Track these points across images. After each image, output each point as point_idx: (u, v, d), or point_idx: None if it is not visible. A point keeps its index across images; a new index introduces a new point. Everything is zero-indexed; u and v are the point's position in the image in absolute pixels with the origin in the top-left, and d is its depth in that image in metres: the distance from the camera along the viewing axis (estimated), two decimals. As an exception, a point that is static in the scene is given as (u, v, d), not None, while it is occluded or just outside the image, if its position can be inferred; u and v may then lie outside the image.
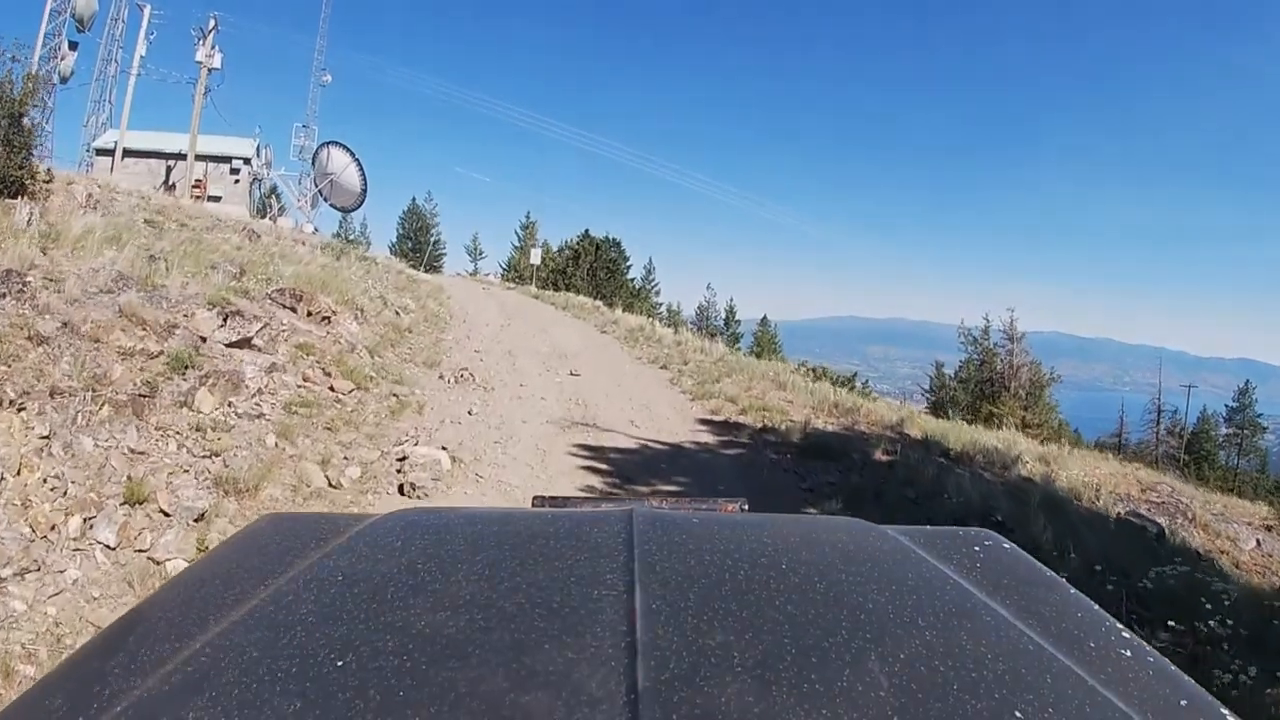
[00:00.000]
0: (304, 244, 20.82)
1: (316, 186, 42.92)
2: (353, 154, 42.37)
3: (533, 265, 34.37)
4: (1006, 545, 1.07)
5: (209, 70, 37.26)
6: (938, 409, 39.24)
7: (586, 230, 32.36)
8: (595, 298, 28.86)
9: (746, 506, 1.42)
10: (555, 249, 41.86)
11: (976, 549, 1.03)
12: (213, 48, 37.78)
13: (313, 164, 43.31)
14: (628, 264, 32.68)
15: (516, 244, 58.22)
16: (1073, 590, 0.96)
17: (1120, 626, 0.86)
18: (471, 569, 0.82)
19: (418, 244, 60.96)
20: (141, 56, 40.32)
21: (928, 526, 1.14)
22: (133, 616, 0.85)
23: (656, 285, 54.35)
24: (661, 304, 59.76)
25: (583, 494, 3.02)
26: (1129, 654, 0.78)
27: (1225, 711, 0.71)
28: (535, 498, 1.51)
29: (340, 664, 0.65)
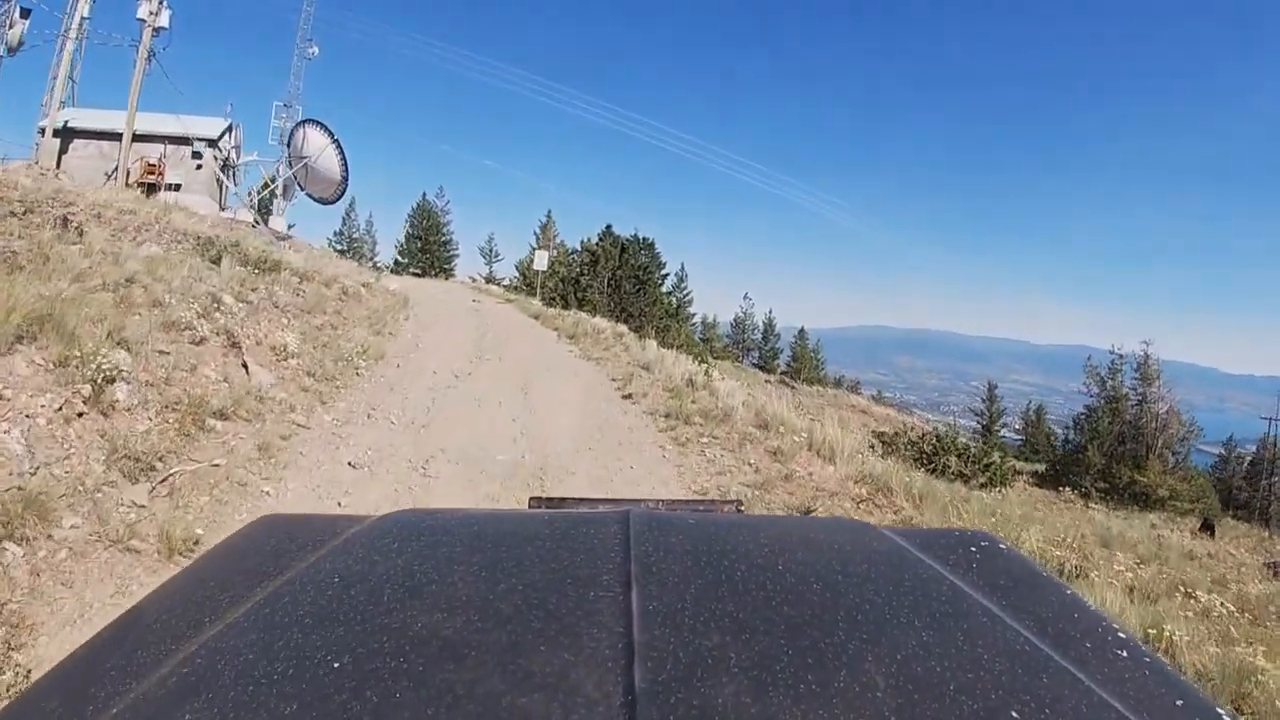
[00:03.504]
0: (158, 241, 13.49)
1: (291, 171, 35.78)
2: (331, 134, 35.12)
3: (538, 272, 26.65)
4: (1003, 546, 1.06)
5: (154, 30, 30.22)
6: (1063, 468, 31.63)
7: (609, 226, 24.22)
8: (618, 317, 21.04)
9: (743, 507, 1.43)
10: (572, 250, 33.85)
11: (973, 549, 1.02)
12: (159, 3, 30.86)
13: (287, 146, 36.21)
14: (662, 272, 24.50)
15: (534, 245, 51.44)
16: (1069, 591, 0.94)
17: (1116, 627, 0.85)
18: (468, 570, 0.81)
19: (427, 244, 54.20)
20: (84, 18, 33.72)
21: (924, 527, 1.17)
22: (129, 618, 0.85)
23: (689, 294, 46.34)
24: (695, 316, 51.70)
25: (579, 495, 2.11)
26: (1125, 654, 0.78)
27: (1221, 711, 0.71)
28: (532, 498, 1.51)
29: (336, 665, 0.64)
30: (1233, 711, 0.72)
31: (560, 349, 15.10)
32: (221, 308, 10.45)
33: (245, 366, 9.07)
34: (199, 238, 14.49)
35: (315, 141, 35.05)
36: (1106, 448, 28.56)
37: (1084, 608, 0.89)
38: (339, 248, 53.73)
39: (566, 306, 21.77)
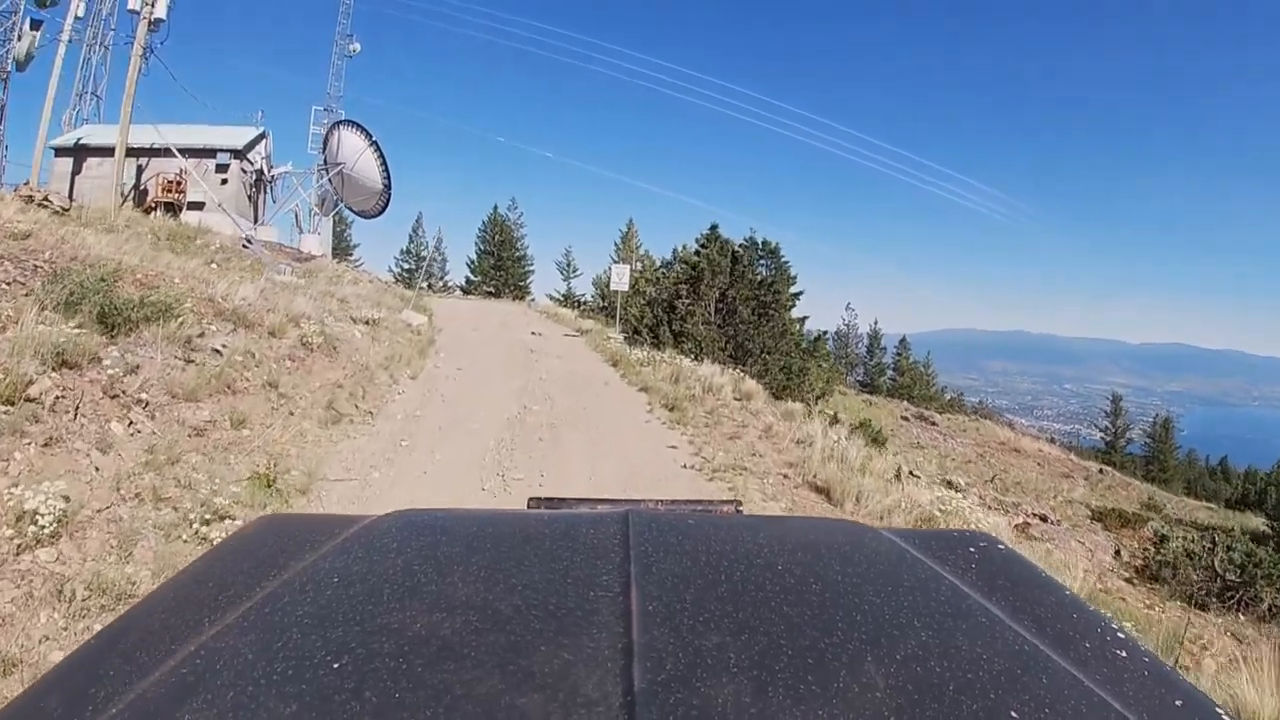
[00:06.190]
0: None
1: (327, 178, 30.81)
2: (369, 136, 30.07)
3: (617, 292, 20.35)
4: (1001, 546, 1.05)
5: (150, 23, 25.52)
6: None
7: (714, 227, 17.02)
8: (733, 357, 14.51)
9: (742, 508, 1.41)
10: (663, 263, 27.30)
11: (971, 550, 1.01)
12: (154, -8, 26.29)
13: (323, 151, 31.33)
14: (792, 288, 17.43)
15: (614, 258, 45.73)
16: (1068, 591, 0.94)
17: (1115, 626, 0.84)
18: (467, 570, 0.81)
19: (500, 261, 49.16)
20: (77, 18, 29.54)
21: (923, 529, 1.54)
22: (128, 618, 0.84)
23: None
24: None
25: (579, 495, 1.57)
26: (1124, 654, 0.77)
27: (1220, 710, 0.70)
28: (531, 499, 1.47)
29: (336, 666, 0.63)
30: (1231, 711, 0.65)
31: (655, 441, 8.64)
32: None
33: None
34: (65, 270, 8.87)
35: (351, 145, 30.08)
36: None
37: (1083, 608, 0.88)
38: (405, 268, 49.52)
39: (657, 341, 15.35)
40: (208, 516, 5.21)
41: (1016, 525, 11.46)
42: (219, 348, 8.22)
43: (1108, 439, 52.05)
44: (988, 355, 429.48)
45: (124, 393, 6.49)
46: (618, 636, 0.65)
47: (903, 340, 60.43)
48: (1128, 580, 13.30)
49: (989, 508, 11.79)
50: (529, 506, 1.40)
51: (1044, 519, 13.15)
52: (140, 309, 7.78)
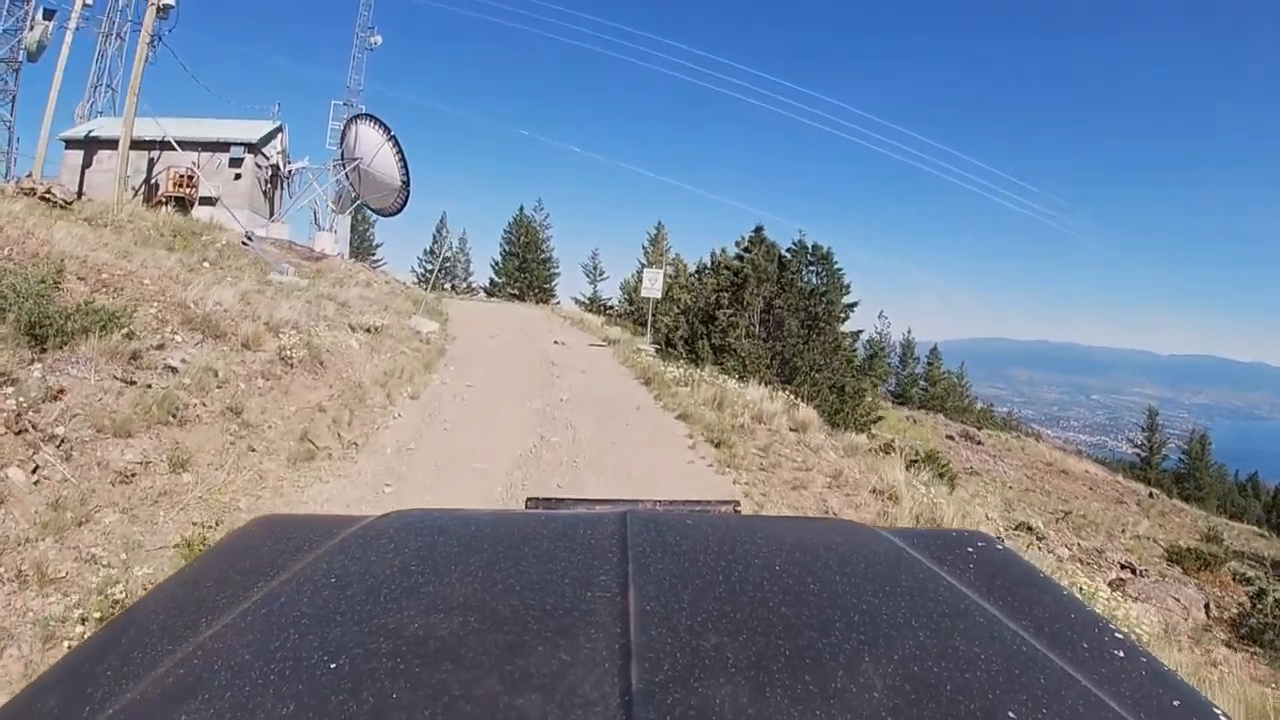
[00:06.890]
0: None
1: (344, 174, 29.57)
2: (388, 130, 28.81)
3: (648, 299, 18.76)
4: (1000, 546, 1.05)
5: (158, 9, 24.32)
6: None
7: (759, 228, 15.67)
8: (779, 374, 12.92)
9: (740, 508, 1.39)
10: (699, 267, 25.47)
11: (970, 550, 1.01)
12: (164, -27, 25.16)
13: (340, 146, 30.12)
14: (845, 297, 15.85)
15: (643, 261, 44.15)
16: (1066, 591, 0.93)
17: (1113, 627, 0.84)
18: (465, 570, 0.80)
19: (525, 263, 47.83)
20: (87, 5, 28.54)
21: (921, 528, 1.34)
22: (125, 618, 0.84)
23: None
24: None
25: (576, 495, 1.60)
26: (1122, 654, 0.77)
27: (1218, 711, 0.70)
28: (529, 499, 1.46)
29: (333, 666, 0.63)
30: (1228, 713, 0.66)
31: (701, 490, 6.99)
32: None
33: None
34: (4, 269, 7.53)
35: (369, 140, 28.84)
36: None
37: (1081, 608, 0.88)
38: (428, 268, 48.57)
39: (694, 355, 13.73)
40: (99, 614, 3.77)
41: (1110, 582, 9.81)
42: (176, 364, 6.83)
43: (1143, 454, 50.35)
44: (1013, 364, 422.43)
45: (34, 426, 5.10)
46: (615, 637, 0.64)
47: (934, 349, 58.45)
48: (1226, 643, 11.63)
49: (1078, 560, 10.14)
50: (527, 506, 1.37)
51: (1132, 570, 11.47)
52: (80, 317, 6.39)
